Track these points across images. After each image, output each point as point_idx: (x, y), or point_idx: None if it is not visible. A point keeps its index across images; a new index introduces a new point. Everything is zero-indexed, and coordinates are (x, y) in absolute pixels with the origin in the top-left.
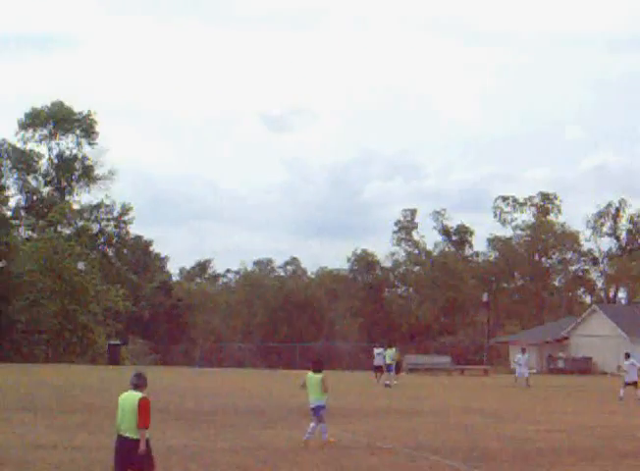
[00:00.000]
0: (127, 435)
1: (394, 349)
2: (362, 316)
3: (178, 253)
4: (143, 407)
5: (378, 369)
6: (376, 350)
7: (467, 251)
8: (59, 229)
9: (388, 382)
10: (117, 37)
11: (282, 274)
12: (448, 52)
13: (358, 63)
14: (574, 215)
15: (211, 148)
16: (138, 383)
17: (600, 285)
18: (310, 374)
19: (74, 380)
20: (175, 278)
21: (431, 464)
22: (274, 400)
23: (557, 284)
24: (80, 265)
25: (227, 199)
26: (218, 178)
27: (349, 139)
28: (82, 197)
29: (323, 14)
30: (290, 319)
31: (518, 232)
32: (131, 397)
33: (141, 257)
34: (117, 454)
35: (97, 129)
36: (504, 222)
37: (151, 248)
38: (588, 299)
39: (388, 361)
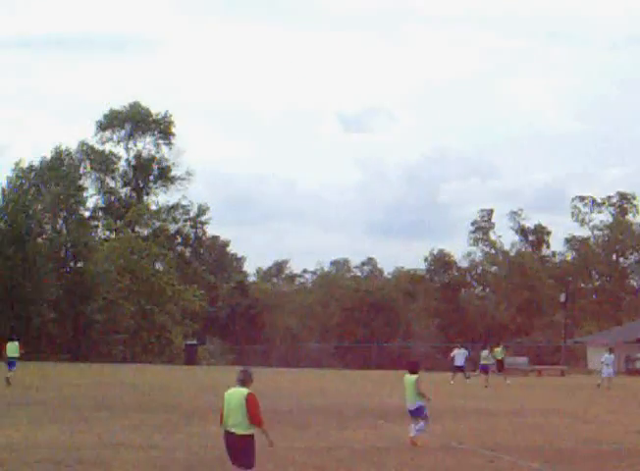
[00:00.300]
0: (232, 430)
1: (500, 348)
2: (438, 316)
3: (255, 253)
4: (252, 403)
5: (458, 369)
6: (456, 351)
7: (544, 251)
8: (136, 229)
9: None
10: (195, 37)
11: (358, 274)
12: (525, 50)
13: (434, 61)
14: None
15: (288, 148)
16: (245, 379)
17: None
18: (407, 375)
19: (151, 380)
20: (251, 278)
21: (508, 465)
22: (350, 400)
23: (635, 284)
24: (158, 265)
25: (303, 199)
26: (295, 177)
27: (425, 139)
28: (160, 198)
29: (399, 14)
30: (366, 319)
31: (596, 232)
32: (237, 393)
33: (219, 257)
34: (227, 449)
35: (174, 130)
36: (581, 222)
37: (228, 249)
38: None
39: (497, 358)
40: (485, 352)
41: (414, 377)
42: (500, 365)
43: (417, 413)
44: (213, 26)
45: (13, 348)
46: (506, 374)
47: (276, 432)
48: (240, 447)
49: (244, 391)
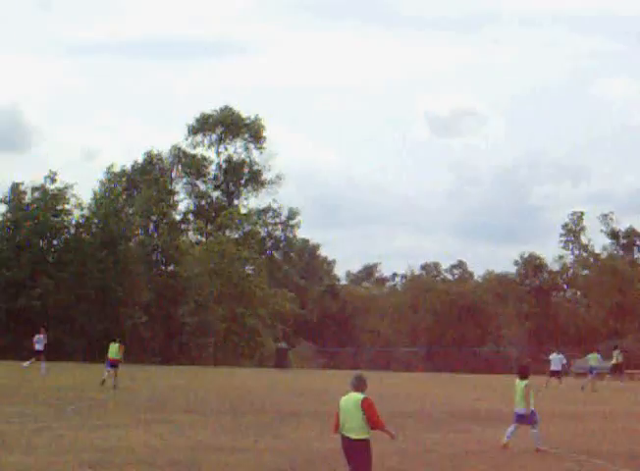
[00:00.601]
0: (348, 435)
1: (617, 351)
2: (529, 320)
3: (345, 257)
4: (369, 407)
5: (554, 374)
6: (552, 355)
7: (636, 254)
8: (227, 233)
9: (589, 386)
10: (286, 41)
11: (448, 277)
12: (617, 51)
13: (524, 64)
14: None
15: (378, 151)
16: (359, 385)
17: None
18: (517, 380)
19: (241, 383)
20: (342, 281)
21: (598, 470)
22: (440, 404)
23: None
24: (248, 269)
25: (394, 202)
26: (385, 181)
27: (516, 142)
28: (250, 201)
29: (490, 16)
30: (456, 323)
31: None
32: (353, 399)
33: (309, 261)
34: (344, 453)
35: (265, 133)
36: None
37: (319, 252)
38: None
39: (615, 361)
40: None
41: (524, 382)
42: (616, 368)
43: (527, 419)
44: (304, 30)
45: (114, 350)
46: (620, 377)
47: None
48: (355, 451)
49: (360, 396)
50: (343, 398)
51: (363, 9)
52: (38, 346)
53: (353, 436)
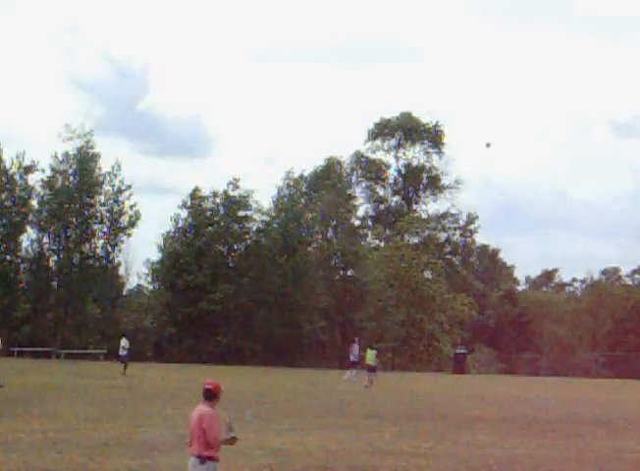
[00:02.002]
0: None
1: None
2: None
3: (524, 262)
4: None
5: None
6: None
7: None
8: (406, 238)
9: None
10: (465, 44)
11: (629, 282)
12: None
13: None
14: None
15: (559, 155)
16: None
17: None
18: None
19: (420, 387)
20: (521, 286)
21: None
22: (622, 411)
23: None
24: (427, 274)
25: (575, 207)
26: (566, 185)
27: None
28: (429, 206)
29: None
30: (638, 328)
31: None
32: None
33: (489, 266)
34: None
35: (444, 139)
36: None
37: (498, 257)
38: None
39: None
40: None
41: None
42: None
43: None
44: (481, 31)
45: (371, 356)
46: None
47: (547, 441)
48: None
49: None
50: None
51: (543, 11)
52: (353, 357)
53: None
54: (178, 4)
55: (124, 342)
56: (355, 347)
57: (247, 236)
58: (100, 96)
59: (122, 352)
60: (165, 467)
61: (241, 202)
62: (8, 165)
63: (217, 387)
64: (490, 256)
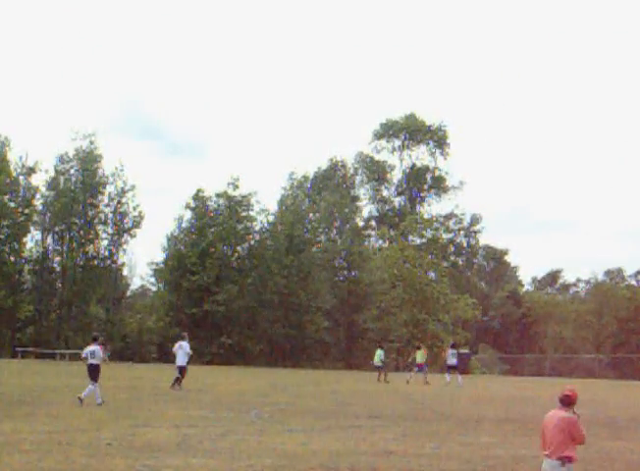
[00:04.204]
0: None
1: None
2: None
3: (530, 263)
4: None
5: None
6: None
7: None
8: (410, 239)
9: None
10: (468, 45)
11: (633, 283)
12: None
13: None
14: None
15: (564, 156)
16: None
17: None
18: None
19: (423, 388)
20: (526, 287)
21: None
22: (626, 412)
23: None
24: (431, 275)
25: (579, 208)
26: (569, 186)
27: None
28: (433, 207)
29: None
30: None
31: None
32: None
33: (495, 267)
34: None
35: (448, 140)
36: None
37: (505, 258)
38: None
39: None
40: None
41: None
42: None
43: None
44: (487, 31)
45: (420, 355)
46: None
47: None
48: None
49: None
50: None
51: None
52: (450, 362)
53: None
54: (180, 3)
55: (92, 349)
56: (454, 352)
57: (251, 237)
58: (103, 97)
59: (92, 360)
60: (169, 468)
61: (243, 202)
62: (12, 166)
63: (575, 394)
64: (497, 257)
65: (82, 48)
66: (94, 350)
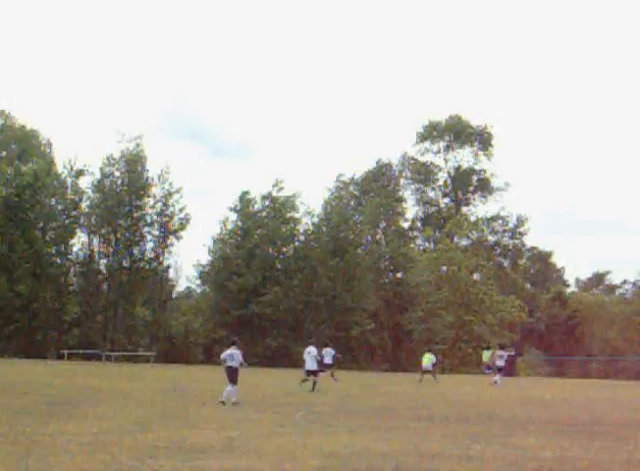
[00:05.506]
0: None
1: None
2: None
3: (576, 264)
4: None
5: None
6: None
7: None
8: (455, 240)
9: None
10: (512, 44)
11: None
12: None
13: None
14: None
15: (611, 156)
16: None
17: None
18: None
19: (469, 390)
20: (571, 289)
21: None
22: None
23: None
24: (476, 276)
25: (626, 209)
26: (617, 187)
27: None
28: (478, 209)
29: None
30: None
31: None
32: None
33: (540, 268)
34: None
35: (493, 141)
36: None
37: (550, 259)
38: None
39: None
40: None
41: None
42: None
43: None
44: (531, 31)
45: (487, 355)
46: None
47: (597, 443)
48: None
49: None
50: None
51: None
52: (499, 363)
53: None
54: (223, 6)
55: (231, 352)
56: (504, 355)
57: (295, 239)
58: (149, 99)
59: (231, 363)
60: (215, 469)
61: (288, 204)
62: (60, 168)
63: None
64: (543, 259)
65: (130, 51)
66: (233, 353)
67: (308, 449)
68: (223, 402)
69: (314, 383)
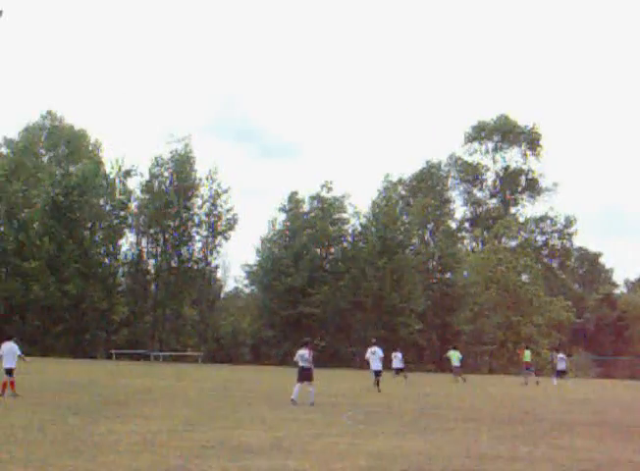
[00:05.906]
0: None
1: None
2: None
3: (626, 265)
4: None
5: None
6: None
7: None
8: (503, 241)
9: None
10: (561, 45)
11: None
12: None
13: None
14: None
15: None
16: None
17: None
18: None
19: (517, 391)
20: (620, 289)
21: None
22: None
23: None
24: (524, 277)
25: None
26: None
27: None
28: (527, 209)
29: None
30: None
31: None
32: None
33: (589, 269)
34: None
35: (541, 141)
36: None
37: (599, 260)
38: None
39: None
40: None
41: None
42: None
43: None
44: (580, 31)
45: (527, 355)
46: None
47: (636, 445)
48: None
49: None
50: None
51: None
52: (560, 366)
53: None
54: (274, 6)
55: (302, 352)
56: (563, 357)
57: (344, 239)
58: (198, 99)
59: (302, 363)
60: (263, 470)
61: (337, 204)
62: (108, 169)
63: None
64: (592, 259)
65: (179, 52)
66: (303, 354)
67: (356, 450)
68: (312, 404)
69: (378, 382)
